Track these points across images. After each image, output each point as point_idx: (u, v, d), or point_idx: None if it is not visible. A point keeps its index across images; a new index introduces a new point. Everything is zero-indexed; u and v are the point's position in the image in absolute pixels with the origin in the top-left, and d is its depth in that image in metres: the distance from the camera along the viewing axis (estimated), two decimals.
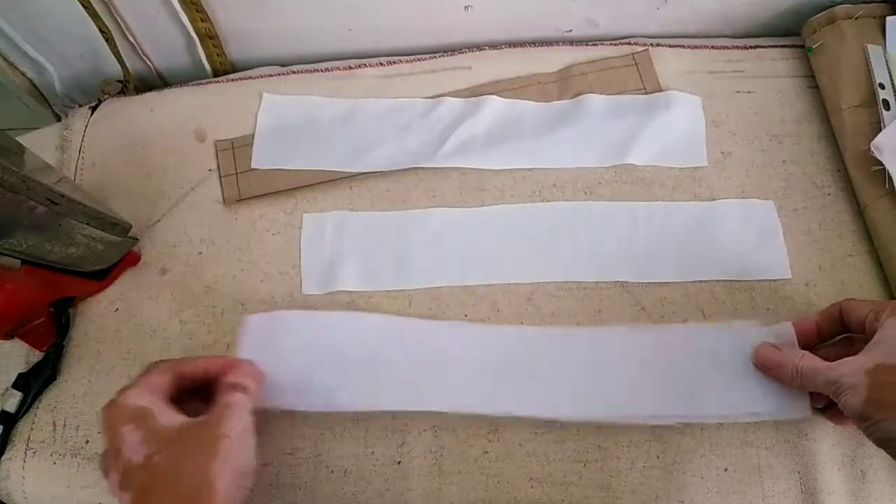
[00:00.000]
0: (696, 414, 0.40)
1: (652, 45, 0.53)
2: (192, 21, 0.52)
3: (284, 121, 0.51)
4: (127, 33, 0.53)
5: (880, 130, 0.45)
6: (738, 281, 0.45)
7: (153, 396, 0.35)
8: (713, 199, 0.47)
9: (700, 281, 0.45)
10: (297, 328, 0.42)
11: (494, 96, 0.51)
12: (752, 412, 0.39)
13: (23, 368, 0.44)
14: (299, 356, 0.41)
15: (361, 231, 0.47)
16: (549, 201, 0.48)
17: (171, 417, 0.34)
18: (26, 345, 0.44)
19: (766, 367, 0.39)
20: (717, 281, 0.45)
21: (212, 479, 0.32)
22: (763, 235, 0.46)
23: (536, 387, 0.41)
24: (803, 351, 0.38)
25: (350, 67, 0.54)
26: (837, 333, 0.39)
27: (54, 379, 0.44)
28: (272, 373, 0.40)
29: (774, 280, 0.45)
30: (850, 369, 0.34)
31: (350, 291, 0.45)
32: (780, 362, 0.38)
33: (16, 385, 0.43)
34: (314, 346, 0.42)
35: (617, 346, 0.42)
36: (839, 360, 0.35)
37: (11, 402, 0.42)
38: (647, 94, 0.51)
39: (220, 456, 0.32)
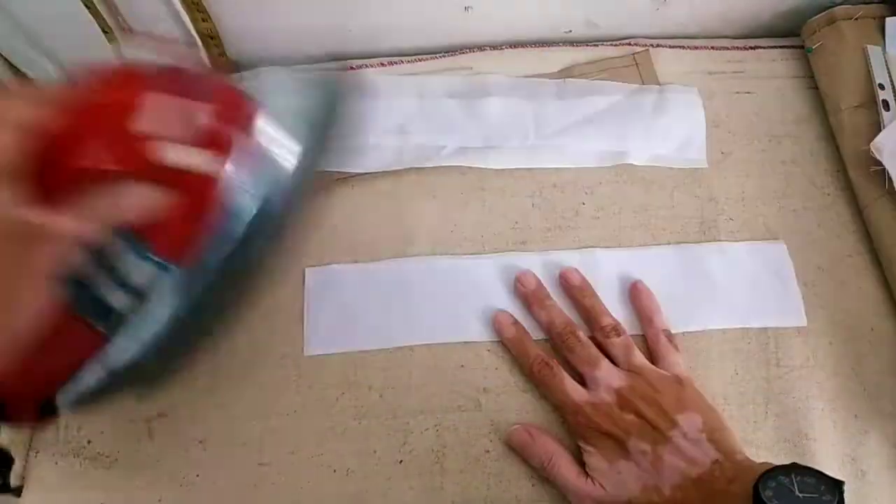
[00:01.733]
0: (701, 325, 0.44)
1: (652, 45, 0.54)
2: (193, 21, 0.51)
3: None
4: (128, 33, 0.52)
5: (880, 131, 0.46)
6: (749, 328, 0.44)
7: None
8: (713, 200, 0.48)
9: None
10: (349, 279, 0.45)
11: (495, 96, 0.51)
12: (749, 324, 0.44)
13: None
14: (353, 302, 0.44)
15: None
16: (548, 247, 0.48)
17: None
18: None
19: (519, 448, 0.40)
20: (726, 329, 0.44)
21: None
22: (776, 280, 0.45)
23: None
24: (557, 448, 0.39)
25: (350, 68, 0.54)
26: None
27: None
28: (330, 319, 0.43)
29: (788, 328, 0.44)
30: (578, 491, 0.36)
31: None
32: (531, 451, 0.39)
33: None
34: (364, 292, 0.45)
35: (635, 267, 0.45)
36: (583, 487, 0.37)
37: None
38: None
39: None
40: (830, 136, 0.50)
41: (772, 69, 0.53)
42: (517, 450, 0.40)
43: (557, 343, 0.41)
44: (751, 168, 0.49)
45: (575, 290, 0.43)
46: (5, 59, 0.53)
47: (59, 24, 0.51)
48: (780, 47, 0.54)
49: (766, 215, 0.47)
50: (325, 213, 0.48)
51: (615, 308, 0.44)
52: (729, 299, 0.44)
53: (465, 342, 0.43)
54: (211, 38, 0.54)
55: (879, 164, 0.45)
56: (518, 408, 0.42)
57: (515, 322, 0.43)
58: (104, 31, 0.50)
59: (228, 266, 0.28)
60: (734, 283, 0.45)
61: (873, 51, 0.49)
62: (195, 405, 0.42)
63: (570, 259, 0.46)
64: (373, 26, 0.55)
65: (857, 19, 0.50)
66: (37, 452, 0.41)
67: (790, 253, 0.46)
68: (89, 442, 0.42)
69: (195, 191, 0.26)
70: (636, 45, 0.54)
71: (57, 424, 0.42)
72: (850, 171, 0.47)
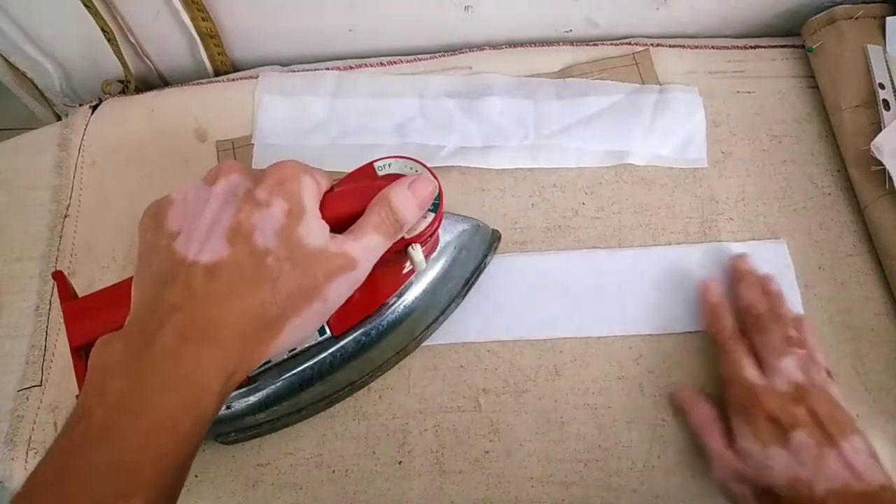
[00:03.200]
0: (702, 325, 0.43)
1: (652, 45, 0.54)
2: (193, 20, 0.51)
3: (284, 121, 0.51)
4: (127, 33, 0.53)
5: (880, 130, 0.45)
6: None
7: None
8: (714, 200, 0.48)
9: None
10: None
11: (495, 96, 0.51)
12: None
13: (22, 369, 0.44)
14: None
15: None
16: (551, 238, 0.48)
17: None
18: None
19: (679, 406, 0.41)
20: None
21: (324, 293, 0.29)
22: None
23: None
24: (711, 415, 0.39)
25: (350, 67, 0.54)
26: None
27: None
28: None
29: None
30: (738, 480, 0.36)
31: None
32: (689, 412, 0.40)
33: None
34: None
35: (636, 266, 0.46)
36: (727, 457, 0.37)
37: None
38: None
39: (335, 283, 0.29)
40: (831, 136, 0.50)
41: (772, 69, 0.53)
42: (677, 407, 0.41)
43: (751, 323, 0.41)
44: (751, 168, 0.49)
45: (756, 278, 0.43)
46: (5, 59, 0.53)
47: (59, 24, 0.51)
48: (781, 47, 0.54)
49: (767, 215, 0.47)
50: None
51: (617, 308, 0.44)
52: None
53: (465, 342, 0.43)
54: (211, 38, 0.54)
55: (880, 163, 0.45)
56: (518, 408, 0.42)
57: (721, 294, 0.43)
58: (104, 31, 0.50)
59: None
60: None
61: (874, 50, 0.49)
62: None
63: (571, 259, 0.46)
64: (373, 26, 0.55)
65: (857, 19, 0.50)
66: (36, 452, 0.41)
67: (790, 252, 0.46)
68: None
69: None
70: (636, 44, 0.54)
71: (56, 424, 0.42)
72: (851, 171, 0.47)
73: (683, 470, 0.40)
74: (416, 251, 0.33)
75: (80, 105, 0.54)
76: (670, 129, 0.50)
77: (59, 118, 0.59)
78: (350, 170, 0.48)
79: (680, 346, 0.43)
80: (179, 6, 0.50)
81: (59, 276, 0.36)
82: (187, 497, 0.40)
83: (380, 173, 0.34)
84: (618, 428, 0.41)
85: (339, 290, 0.30)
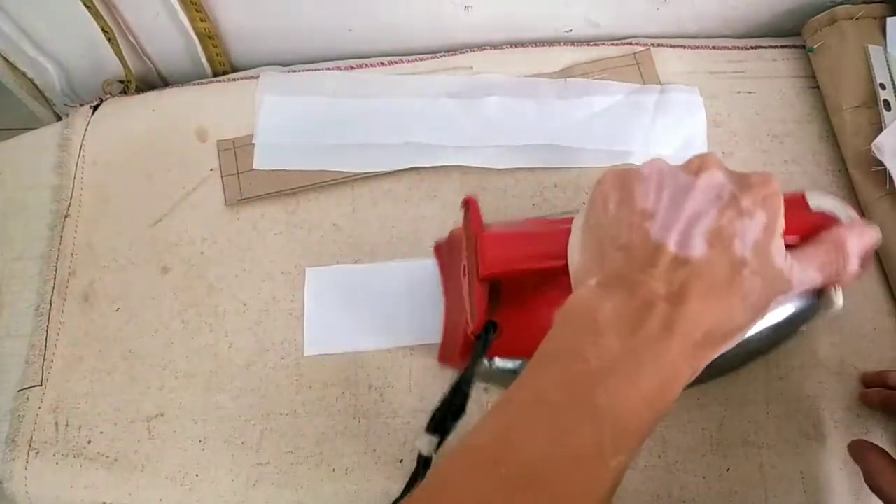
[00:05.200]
0: None
1: (653, 45, 0.54)
2: (191, 21, 0.52)
3: (285, 121, 0.51)
4: (127, 33, 0.53)
5: (881, 131, 0.45)
6: None
7: None
8: None
9: None
10: (350, 279, 0.46)
11: (495, 96, 0.51)
12: None
13: (22, 369, 0.44)
14: (353, 302, 0.45)
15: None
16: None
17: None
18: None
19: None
20: None
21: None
22: None
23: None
24: (884, 460, 0.37)
25: (350, 67, 0.54)
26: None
27: (464, 413, 0.35)
28: (330, 318, 0.44)
29: None
30: None
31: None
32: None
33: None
34: (364, 293, 0.45)
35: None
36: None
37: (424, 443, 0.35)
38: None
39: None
40: (831, 136, 0.50)
41: (773, 69, 0.53)
42: (854, 457, 0.39)
43: None
44: (752, 168, 0.48)
45: None
46: (5, 59, 0.53)
47: (59, 24, 0.51)
48: (782, 47, 0.54)
49: None
50: (324, 214, 0.48)
51: None
52: None
53: None
54: (210, 38, 0.54)
55: (880, 163, 0.45)
56: None
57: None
58: (104, 31, 0.50)
59: None
60: None
61: (874, 50, 0.48)
62: (195, 405, 0.42)
63: None
64: (373, 26, 0.55)
65: (858, 19, 0.50)
66: (37, 452, 0.41)
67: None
68: (89, 442, 0.42)
69: None
70: (637, 44, 0.54)
71: (57, 424, 0.42)
72: (852, 171, 0.47)
73: (683, 470, 0.40)
74: (838, 294, 0.34)
75: (81, 105, 0.54)
76: (671, 130, 0.50)
77: (59, 118, 0.59)
78: (350, 170, 0.48)
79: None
80: (178, 7, 0.50)
81: (472, 203, 0.37)
82: (187, 496, 0.40)
83: (812, 204, 0.34)
84: None
85: (772, 308, 0.29)
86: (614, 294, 0.27)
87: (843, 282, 0.33)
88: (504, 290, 0.37)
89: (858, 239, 0.31)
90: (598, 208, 0.30)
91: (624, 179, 0.30)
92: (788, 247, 0.29)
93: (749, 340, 0.32)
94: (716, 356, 0.28)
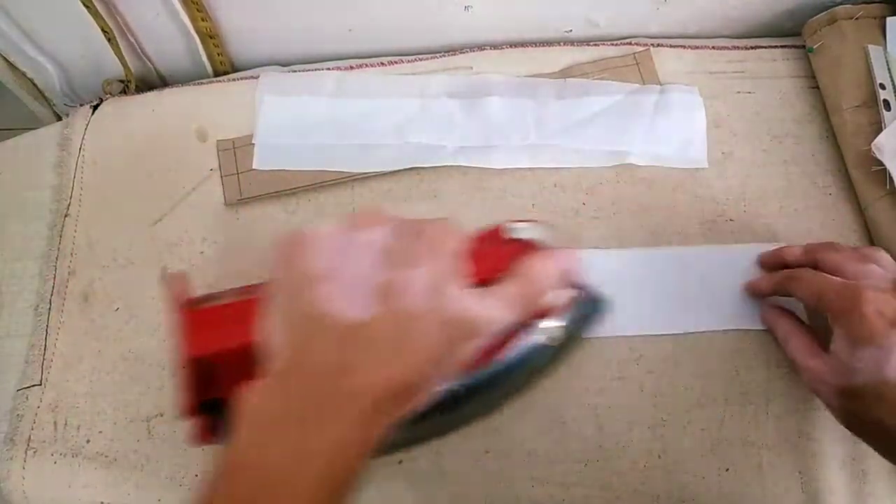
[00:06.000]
0: (702, 326, 0.44)
1: (653, 45, 0.54)
2: (192, 20, 0.51)
3: (285, 121, 0.51)
4: (127, 33, 0.53)
5: (881, 131, 0.45)
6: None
7: None
8: (714, 200, 0.48)
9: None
10: None
11: (495, 96, 0.51)
12: (750, 325, 0.44)
13: (22, 369, 0.44)
14: None
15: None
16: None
17: None
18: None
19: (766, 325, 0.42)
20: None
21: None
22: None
23: None
24: (793, 326, 0.40)
25: (350, 67, 0.54)
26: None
27: None
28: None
29: None
30: (823, 386, 0.37)
31: None
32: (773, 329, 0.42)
33: None
34: None
35: (636, 267, 0.45)
36: (811, 365, 0.37)
37: None
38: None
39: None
40: (831, 136, 0.50)
41: (773, 69, 0.53)
42: (766, 326, 0.42)
43: (821, 253, 0.40)
44: (752, 168, 0.49)
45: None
46: (5, 59, 0.53)
47: (59, 24, 0.51)
48: (781, 47, 0.54)
49: (767, 215, 0.47)
50: (325, 214, 0.48)
51: (617, 308, 0.43)
52: (730, 300, 0.44)
53: None
54: (210, 38, 0.54)
55: (880, 163, 0.45)
56: (518, 408, 0.42)
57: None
58: (104, 31, 0.50)
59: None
60: (736, 283, 0.44)
61: (874, 50, 0.48)
62: None
63: None
64: (373, 26, 0.55)
65: (857, 19, 0.50)
66: (35, 451, 0.41)
67: None
68: (88, 441, 0.42)
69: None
70: (637, 44, 0.54)
71: (55, 424, 0.42)
72: (852, 171, 0.47)
73: (683, 470, 0.40)
74: (547, 325, 0.33)
75: (81, 105, 0.54)
76: (671, 130, 0.50)
77: (59, 118, 0.59)
78: (350, 170, 0.48)
79: (680, 346, 0.43)
80: (179, 6, 0.50)
81: (177, 279, 0.35)
82: (187, 496, 0.40)
83: (509, 237, 0.33)
84: (618, 428, 0.41)
85: (466, 354, 0.29)
86: (284, 381, 0.27)
87: (545, 311, 0.32)
88: (227, 364, 0.33)
89: (546, 265, 0.30)
90: (274, 279, 0.29)
91: (294, 247, 0.29)
92: (482, 284, 0.29)
93: (474, 387, 0.32)
94: (402, 414, 0.28)
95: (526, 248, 0.32)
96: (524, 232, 0.33)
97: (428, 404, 0.29)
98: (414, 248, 0.28)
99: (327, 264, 0.28)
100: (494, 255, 0.31)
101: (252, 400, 0.27)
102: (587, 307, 0.38)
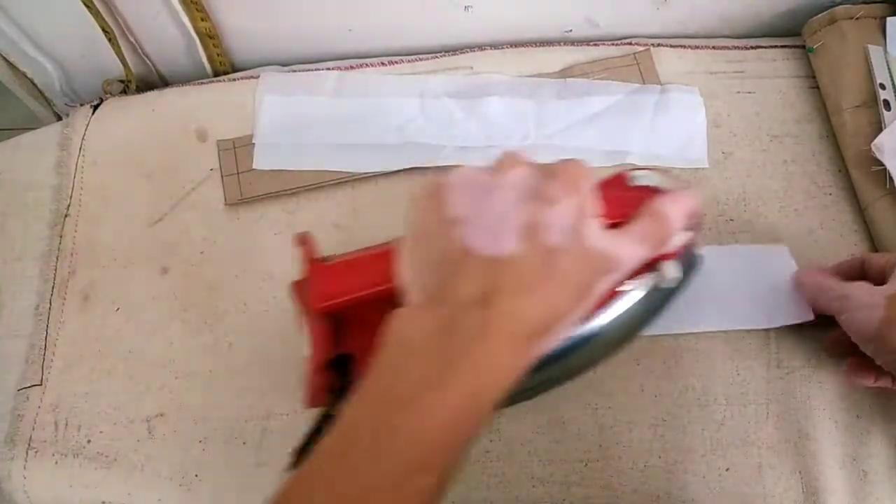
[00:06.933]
0: (702, 326, 0.44)
1: (653, 45, 0.54)
2: (192, 21, 0.52)
3: (285, 122, 0.51)
4: (127, 33, 0.53)
5: (881, 131, 0.45)
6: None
7: None
8: (714, 200, 0.48)
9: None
10: None
11: (495, 96, 0.51)
12: (750, 325, 0.44)
13: (22, 368, 0.44)
14: None
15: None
16: None
17: None
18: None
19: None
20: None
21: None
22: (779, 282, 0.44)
23: None
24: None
25: (350, 67, 0.54)
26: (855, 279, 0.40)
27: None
28: None
29: (790, 329, 0.43)
30: (867, 291, 0.37)
31: None
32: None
33: None
34: None
35: None
36: (851, 283, 0.38)
37: None
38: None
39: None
40: (832, 136, 0.49)
41: (773, 69, 0.53)
42: (797, 286, 0.43)
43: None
44: (752, 168, 0.49)
45: None
46: (5, 59, 0.53)
47: (60, 23, 0.51)
48: (781, 47, 0.54)
49: (768, 215, 0.47)
50: (324, 214, 0.48)
51: None
52: (730, 300, 0.44)
53: None
54: (210, 38, 0.54)
55: (880, 163, 0.45)
56: (518, 408, 0.42)
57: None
58: (104, 31, 0.50)
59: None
60: (736, 284, 0.44)
61: (874, 50, 0.48)
62: (195, 405, 0.42)
63: None
64: (373, 26, 0.55)
65: (857, 19, 0.50)
66: (36, 452, 0.41)
67: (791, 253, 0.45)
68: (89, 441, 0.42)
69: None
70: (637, 44, 0.54)
71: (56, 424, 0.42)
72: (852, 171, 0.47)
73: (683, 470, 0.40)
74: (670, 266, 0.33)
75: (81, 105, 0.54)
76: (671, 129, 0.50)
77: (59, 118, 0.59)
78: (350, 170, 0.48)
79: (680, 345, 0.43)
80: (178, 6, 0.50)
81: (305, 239, 0.36)
82: (187, 496, 0.40)
83: (632, 184, 0.34)
84: (618, 428, 0.41)
85: (602, 291, 0.30)
86: (429, 310, 0.28)
87: (671, 251, 0.33)
88: (356, 320, 0.34)
89: (676, 205, 0.31)
90: (413, 224, 0.30)
91: (435, 192, 0.30)
92: (613, 226, 0.30)
93: (600, 330, 0.32)
94: (549, 346, 0.28)
95: (650, 192, 0.32)
96: (646, 179, 0.34)
97: (560, 346, 0.30)
98: (552, 187, 0.29)
99: (466, 210, 0.29)
100: (622, 199, 0.32)
101: (397, 325, 0.28)
102: (695, 255, 0.38)
